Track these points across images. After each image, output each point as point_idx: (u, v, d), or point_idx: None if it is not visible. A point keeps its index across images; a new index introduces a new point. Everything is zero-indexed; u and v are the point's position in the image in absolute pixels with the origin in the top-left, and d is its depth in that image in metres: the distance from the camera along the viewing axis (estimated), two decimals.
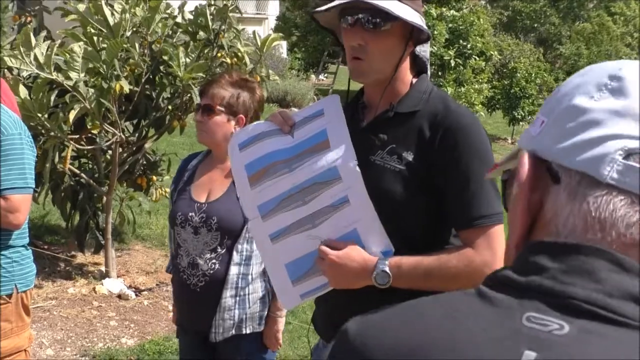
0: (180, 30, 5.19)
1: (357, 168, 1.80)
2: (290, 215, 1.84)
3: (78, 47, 4.30)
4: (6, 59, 4.07)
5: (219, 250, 2.58)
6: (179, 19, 5.17)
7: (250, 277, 2.61)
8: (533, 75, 17.37)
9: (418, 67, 1.92)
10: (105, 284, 5.30)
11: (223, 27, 5.04)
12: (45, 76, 4.20)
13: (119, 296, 5.20)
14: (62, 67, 4.38)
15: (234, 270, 2.58)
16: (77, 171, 5.29)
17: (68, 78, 4.29)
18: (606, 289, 0.65)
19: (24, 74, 4.43)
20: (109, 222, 5.35)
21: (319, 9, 1.84)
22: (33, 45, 4.16)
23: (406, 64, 1.87)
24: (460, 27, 14.96)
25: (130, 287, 5.39)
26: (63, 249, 6.10)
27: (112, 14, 4.49)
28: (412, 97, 1.86)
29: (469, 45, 15.06)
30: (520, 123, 16.91)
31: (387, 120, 1.85)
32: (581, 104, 0.73)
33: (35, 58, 4.16)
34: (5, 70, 4.57)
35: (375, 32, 1.78)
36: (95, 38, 4.48)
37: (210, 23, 4.98)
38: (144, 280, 5.58)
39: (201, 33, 5.09)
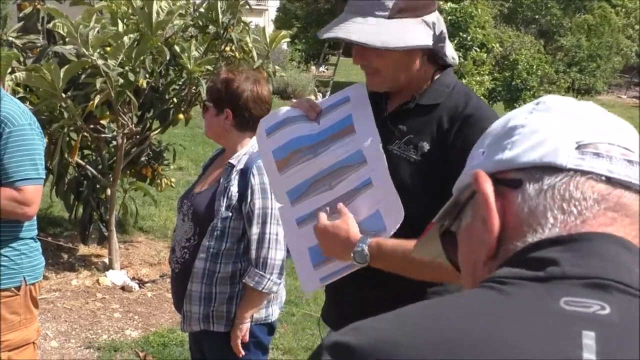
0: (191, 23, 5.21)
1: (381, 150, 1.81)
2: (316, 199, 1.86)
3: (127, 39, 4.33)
4: (59, 24, 4.09)
5: (192, 240, 2.64)
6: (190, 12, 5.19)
7: (217, 275, 2.60)
8: (534, 67, 17.37)
9: (441, 60, 1.90)
10: (109, 276, 5.30)
11: (232, 20, 5.04)
12: (87, 57, 4.22)
13: (123, 288, 5.20)
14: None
15: (199, 264, 2.59)
16: (82, 162, 5.29)
17: (106, 65, 4.31)
18: (628, 267, 0.68)
19: (69, 47, 4.46)
20: (112, 214, 5.35)
21: (321, 36, 1.83)
22: (91, 25, 4.19)
23: (427, 64, 1.85)
24: (460, 19, 14.93)
25: (133, 279, 5.39)
26: (66, 240, 6.10)
27: (158, 12, 4.49)
28: (434, 90, 1.85)
29: (469, 37, 15.03)
30: None
31: (408, 112, 1.86)
32: (516, 123, 0.80)
33: (87, 37, 4.18)
34: (14, 61, 4.57)
35: (376, 51, 1.77)
36: (120, 25, 4.50)
37: (220, 16, 4.98)
38: (148, 272, 5.58)
39: (211, 27, 5.10)
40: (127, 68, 4.43)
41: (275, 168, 1.92)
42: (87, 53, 4.22)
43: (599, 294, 0.65)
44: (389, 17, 1.74)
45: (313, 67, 24.01)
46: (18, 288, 2.71)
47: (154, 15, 4.45)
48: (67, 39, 4.30)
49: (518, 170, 0.76)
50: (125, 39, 4.32)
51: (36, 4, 5.15)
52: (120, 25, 4.47)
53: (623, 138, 0.76)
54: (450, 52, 1.86)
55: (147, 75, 4.71)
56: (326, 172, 1.85)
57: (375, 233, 1.78)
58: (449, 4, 15.42)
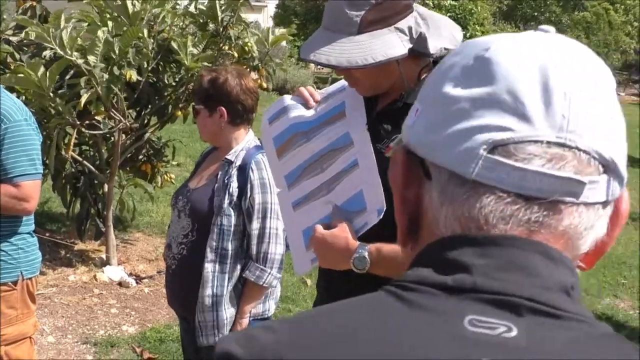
0: (191, 20, 5.21)
1: (366, 132, 1.83)
2: (310, 182, 1.89)
3: (102, 33, 4.32)
4: (31, 32, 4.08)
5: (190, 237, 2.65)
6: (191, 9, 5.18)
7: (226, 275, 2.60)
8: None
9: (429, 57, 1.89)
10: (106, 272, 5.31)
11: (232, 18, 5.04)
12: (67, 57, 4.21)
13: (120, 284, 5.21)
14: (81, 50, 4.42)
15: (209, 267, 2.59)
16: (79, 158, 5.29)
17: (86, 62, 4.31)
18: (545, 284, 0.61)
19: (46, 52, 4.46)
20: (109, 210, 5.36)
21: (301, 55, 1.83)
22: (62, 26, 4.18)
23: (410, 65, 1.83)
24: (459, 16, 14.93)
25: (130, 274, 5.40)
26: (64, 236, 6.10)
27: (133, 3, 4.49)
28: None
29: (468, 34, 15.02)
30: None
31: (396, 110, 1.85)
32: (449, 92, 0.67)
33: (60, 38, 4.17)
34: (8, 55, 4.57)
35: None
36: (110, 24, 4.49)
37: (219, 14, 4.99)
38: (145, 267, 5.59)
39: (210, 24, 5.10)
40: (113, 63, 4.43)
41: (275, 154, 1.97)
42: (63, 53, 4.21)
43: (508, 313, 0.59)
44: (358, 33, 1.71)
45: (312, 64, 23.98)
46: (15, 282, 2.72)
47: (130, 7, 4.44)
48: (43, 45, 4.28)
49: (432, 162, 0.67)
50: (100, 33, 4.31)
51: (33, 1, 5.15)
52: (109, 22, 4.47)
53: (569, 116, 0.63)
54: (439, 43, 1.79)
55: (140, 69, 4.70)
56: (317, 155, 1.89)
57: (357, 213, 1.80)
58: (449, 0, 15.42)
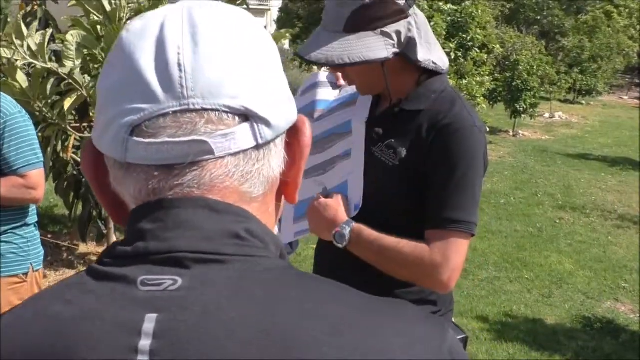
0: None
1: (364, 125, 1.89)
2: (311, 159, 1.93)
3: (71, 36, 4.30)
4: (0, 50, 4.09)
5: None
6: None
7: None
8: (535, 67, 17.32)
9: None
10: None
11: None
12: (41, 65, 4.22)
13: None
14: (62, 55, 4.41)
15: None
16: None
17: (62, 66, 4.30)
18: (206, 234, 0.66)
19: (19, 63, 4.44)
20: None
21: (298, 52, 1.85)
22: (25, 35, 4.17)
23: (400, 71, 1.84)
24: (460, 20, 14.92)
25: None
26: (66, 238, 6.12)
27: (110, 2, 4.49)
28: (420, 95, 1.84)
29: (469, 38, 15.02)
30: (522, 116, 16.90)
31: (392, 116, 1.87)
32: (98, 84, 0.72)
33: (29, 47, 4.17)
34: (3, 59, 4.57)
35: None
36: (99, 26, 4.48)
37: None
38: None
39: None
40: (94, 63, 4.43)
41: None
42: (37, 62, 4.20)
43: (174, 268, 0.65)
44: (344, 31, 1.73)
45: (315, 67, 24.02)
46: (25, 274, 2.77)
47: (107, 6, 4.44)
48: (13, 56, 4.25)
49: None
50: (69, 37, 4.29)
51: (34, 5, 5.17)
52: (99, 27, 4.46)
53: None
54: (429, 56, 1.81)
55: None
56: (322, 136, 1.98)
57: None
58: (449, 5, 15.40)
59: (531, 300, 5.98)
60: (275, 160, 0.72)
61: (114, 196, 0.73)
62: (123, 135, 0.67)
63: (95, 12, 4.50)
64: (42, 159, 2.83)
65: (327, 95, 2.09)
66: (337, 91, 2.07)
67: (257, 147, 0.69)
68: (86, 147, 0.74)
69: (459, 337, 1.96)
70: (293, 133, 0.75)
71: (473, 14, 14.71)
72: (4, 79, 4.20)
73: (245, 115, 0.68)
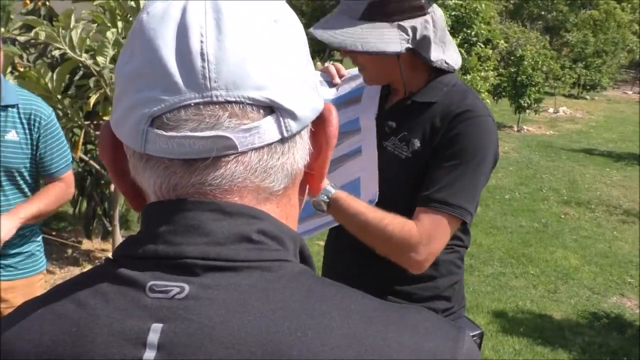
0: None
1: (374, 121, 1.86)
2: None
3: (111, 34, 4.33)
4: (41, 32, 4.09)
5: None
6: None
7: None
8: (539, 63, 17.29)
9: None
10: None
11: None
12: (76, 58, 4.23)
13: None
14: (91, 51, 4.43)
15: None
16: (86, 158, 5.32)
17: (95, 62, 4.32)
18: (216, 239, 0.64)
19: (55, 52, 4.46)
20: (116, 209, 5.38)
21: (314, 31, 1.83)
22: (71, 26, 4.19)
23: (412, 66, 1.84)
24: (464, 15, 14.89)
25: None
26: (70, 235, 6.13)
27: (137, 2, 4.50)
28: (432, 88, 1.84)
29: (473, 33, 14.99)
30: (527, 111, 16.87)
31: (404, 108, 1.87)
32: (118, 69, 0.68)
33: (70, 39, 4.19)
34: (16, 57, 4.58)
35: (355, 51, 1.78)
36: (120, 25, 4.49)
37: None
38: None
39: None
40: None
41: None
42: (73, 54, 4.22)
43: (182, 275, 0.63)
44: (361, 18, 1.74)
45: (319, 63, 24.01)
46: (44, 272, 2.83)
47: (132, 4, 4.45)
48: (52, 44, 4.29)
49: None
50: (109, 34, 4.32)
51: (38, 1, 5.17)
52: (119, 23, 4.48)
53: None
54: (442, 56, 1.82)
55: None
56: None
57: None
58: (453, 0, 15.37)
59: (537, 296, 5.97)
60: (300, 152, 0.69)
61: (133, 183, 0.71)
62: (143, 126, 0.64)
63: (120, 13, 4.50)
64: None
65: (324, 94, 2.08)
66: (334, 90, 2.04)
67: (282, 140, 0.66)
68: (103, 132, 0.71)
69: (474, 333, 1.95)
70: (319, 122, 0.71)
71: (477, 9, 14.66)
72: (27, 70, 4.23)
73: (270, 108, 0.65)
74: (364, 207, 1.75)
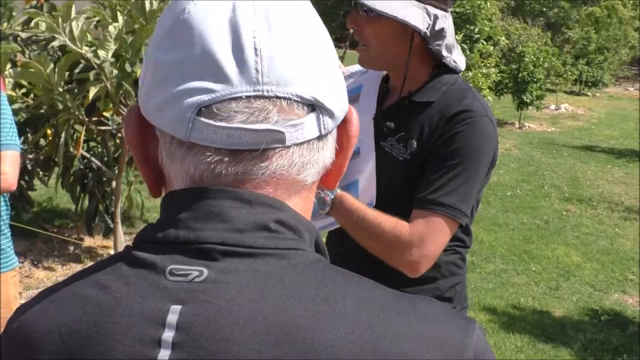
0: None
1: (372, 122, 1.84)
2: None
3: (113, 28, 4.32)
4: (42, 23, 4.09)
5: None
6: None
7: None
8: (541, 59, 17.28)
9: (439, 58, 1.89)
10: None
11: None
12: (76, 50, 4.22)
13: None
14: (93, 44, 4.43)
15: None
16: (87, 155, 5.32)
17: (96, 56, 4.32)
18: (236, 226, 0.66)
19: (55, 43, 4.45)
20: (118, 206, 5.38)
21: None
22: (72, 17, 4.19)
23: (419, 56, 1.83)
24: (467, 12, 14.88)
25: None
26: (72, 232, 6.13)
27: (151, 2, 4.49)
28: (431, 87, 1.83)
29: (476, 30, 14.98)
30: (529, 107, 16.86)
31: (402, 108, 1.85)
32: (157, 56, 0.68)
33: (70, 30, 4.18)
34: (18, 54, 4.58)
35: (368, 18, 1.76)
36: (121, 19, 4.49)
37: None
38: None
39: None
40: (122, 59, 4.43)
41: None
42: (73, 46, 4.22)
43: (202, 260, 0.65)
44: None
45: None
46: (16, 268, 2.80)
47: (147, 5, 4.45)
48: (52, 35, 4.28)
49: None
50: (111, 28, 4.31)
51: None
52: (120, 18, 4.47)
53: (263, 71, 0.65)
54: (447, 52, 1.81)
55: None
56: None
57: None
58: None
59: (538, 293, 5.97)
60: (330, 149, 0.73)
61: (156, 169, 0.73)
62: (189, 115, 0.65)
63: (120, 9, 4.49)
64: None
65: None
66: None
67: (319, 137, 0.69)
68: (131, 117, 0.72)
69: None
70: (343, 122, 0.74)
71: (481, 6, 14.65)
72: (30, 60, 4.22)
73: (312, 106, 0.68)
74: (362, 206, 1.74)
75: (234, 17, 0.66)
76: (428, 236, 1.69)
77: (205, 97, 0.64)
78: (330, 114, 0.70)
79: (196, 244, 0.65)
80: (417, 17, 1.72)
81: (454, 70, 1.85)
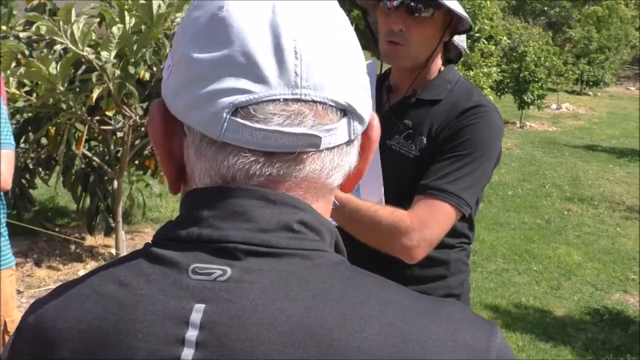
0: None
1: None
2: None
3: (117, 29, 4.32)
4: (42, 27, 4.09)
5: None
6: None
7: None
8: (542, 59, 17.26)
9: (449, 55, 1.92)
10: None
11: None
12: (77, 52, 4.22)
13: None
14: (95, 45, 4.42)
15: None
16: (89, 154, 5.32)
17: (99, 57, 4.31)
18: (260, 226, 0.66)
19: (57, 47, 4.45)
20: (119, 205, 5.38)
21: None
22: (72, 20, 4.18)
23: (440, 52, 1.86)
24: (468, 11, 14.87)
25: None
26: (73, 231, 6.13)
27: (159, 5, 4.48)
28: (437, 85, 1.84)
29: (477, 28, 14.97)
30: (530, 107, 16.85)
31: (409, 106, 1.86)
32: (190, 53, 0.67)
33: (72, 33, 4.18)
34: (19, 54, 4.58)
35: (418, 19, 1.75)
36: (127, 19, 4.48)
37: None
38: None
39: None
40: (125, 60, 4.43)
41: None
42: (75, 48, 4.20)
43: (225, 259, 0.64)
44: None
45: None
46: (12, 267, 2.79)
47: (155, 8, 4.45)
48: (53, 38, 4.27)
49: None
50: (115, 29, 4.30)
51: None
52: (128, 17, 4.47)
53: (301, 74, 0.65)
54: (464, 46, 1.90)
55: (153, 67, 4.71)
56: None
57: None
58: None
59: (540, 292, 5.97)
60: (355, 153, 0.72)
61: (178, 165, 0.72)
62: (224, 115, 0.64)
63: (127, 9, 4.49)
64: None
65: None
66: None
67: (348, 142, 0.70)
68: (155, 113, 0.72)
69: None
70: (366, 127, 0.74)
71: (482, 5, 14.63)
72: (32, 60, 4.22)
73: (344, 111, 0.68)
74: (353, 197, 1.71)
75: (274, 19, 0.65)
76: (429, 220, 1.66)
77: (242, 98, 0.64)
78: (360, 119, 0.70)
79: (220, 243, 0.65)
80: (462, 11, 1.75)
81: (452, 61, 1.91)
